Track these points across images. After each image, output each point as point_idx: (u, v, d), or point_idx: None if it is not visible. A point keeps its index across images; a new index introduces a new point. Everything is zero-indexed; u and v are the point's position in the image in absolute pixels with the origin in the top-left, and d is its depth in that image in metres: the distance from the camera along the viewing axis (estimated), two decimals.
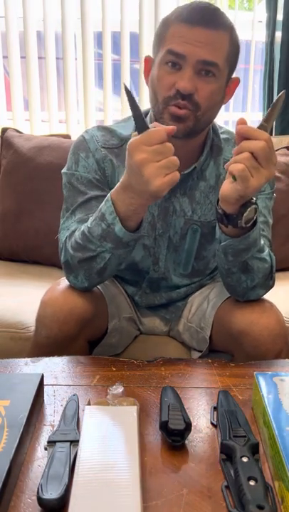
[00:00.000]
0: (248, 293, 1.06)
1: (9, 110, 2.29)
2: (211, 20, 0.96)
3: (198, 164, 1.11)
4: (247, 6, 2.50)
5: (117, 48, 2.22)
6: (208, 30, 0.95)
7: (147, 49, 2.19)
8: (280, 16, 2.03)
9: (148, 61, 1.06)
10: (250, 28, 2.21)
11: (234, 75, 1.06)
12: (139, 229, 0.97)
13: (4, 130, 1.92)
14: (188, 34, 0.95)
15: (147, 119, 1.12)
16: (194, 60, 0.96)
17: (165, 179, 0.84)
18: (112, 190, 0.94)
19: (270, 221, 1.15)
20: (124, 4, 2.15)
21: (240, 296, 1.08)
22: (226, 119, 2.29)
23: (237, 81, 1.07)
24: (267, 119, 0.88)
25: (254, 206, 0.93)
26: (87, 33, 2.17)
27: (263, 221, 1.12)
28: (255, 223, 0.96)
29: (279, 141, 1.95)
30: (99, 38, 2.22)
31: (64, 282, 1.08)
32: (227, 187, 0.90)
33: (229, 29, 0.99)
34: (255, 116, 2.33)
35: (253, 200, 0.93)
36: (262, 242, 1.03)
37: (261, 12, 2.13)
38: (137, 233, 0.96)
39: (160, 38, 1.01)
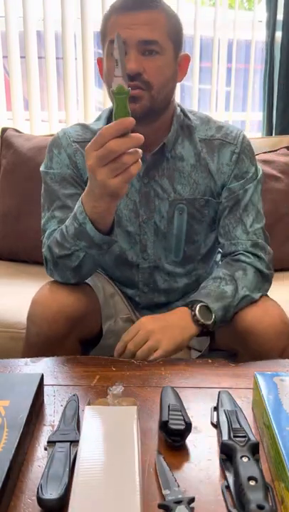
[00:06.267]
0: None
1: (9, 110, 2.28)
2: (143, 2, 1.01)
3: (167, 141, 1.12)
4: (247, 5, 2.50)
5: None
6: (142, 12, 1.01)
7: None
8: (280, 16, 2.03)
9: (100, 61, 1.11)
10: (250, 28, 2.21)
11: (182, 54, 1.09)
12: (111, 233, 0.98)
13: (4, 130, 1.92)
14: (124, 20, 1.01)
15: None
16: (135, 42, 1.00)
17: (116, 180, 0.84)
18: (83, 192, 0.97)
19: (259, 207, 1.16)
20: None
21: None
22: (226, 119, 2.28)
23: (187, 57, 1.11)
24: None
25: (202, 308, 1.03)
26: (87, 33, 2.17)
27: (256, 211, 1.14)
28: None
29: (279, 141, 1.95)
30: (99, 38, 2.21)
31: (54, 281, 1.09)
32: None
33: (162, 8, 1.04)
34: (255, 116, 2.33)
35: (195, 309, 1.03)
36: (233, 286, 1.07)
37: (261, 12, 2.12)
38: (108, 236, 0.97)
39: (103, 34, 1.07)
